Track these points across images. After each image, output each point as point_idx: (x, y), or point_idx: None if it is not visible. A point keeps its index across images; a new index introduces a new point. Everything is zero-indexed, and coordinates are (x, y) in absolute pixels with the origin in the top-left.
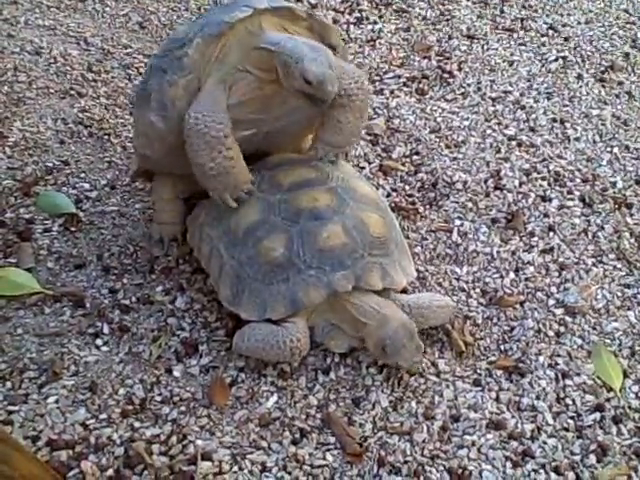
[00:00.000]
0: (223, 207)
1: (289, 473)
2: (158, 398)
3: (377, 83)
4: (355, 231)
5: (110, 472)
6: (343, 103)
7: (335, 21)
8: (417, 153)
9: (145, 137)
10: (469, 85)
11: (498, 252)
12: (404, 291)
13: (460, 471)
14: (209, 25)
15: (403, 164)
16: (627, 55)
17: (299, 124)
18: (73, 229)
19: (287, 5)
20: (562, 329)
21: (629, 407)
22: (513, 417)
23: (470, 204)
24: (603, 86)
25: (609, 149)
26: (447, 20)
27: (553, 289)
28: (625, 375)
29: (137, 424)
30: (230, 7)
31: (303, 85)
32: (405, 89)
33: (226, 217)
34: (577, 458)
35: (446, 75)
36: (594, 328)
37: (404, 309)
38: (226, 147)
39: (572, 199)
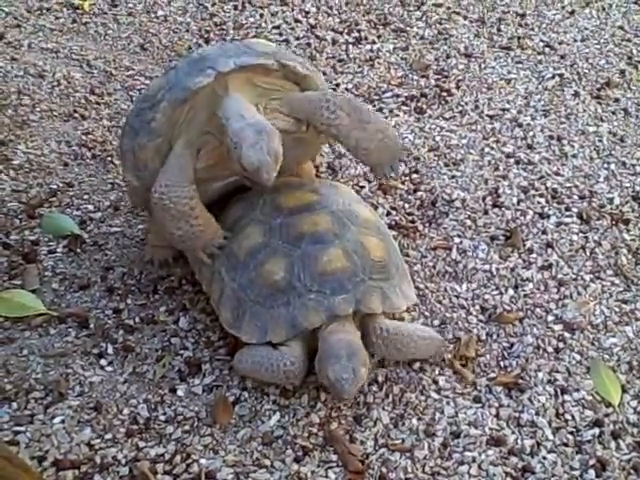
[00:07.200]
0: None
1: None
2: (162, 417)
3: (376, 102)
4: (356, 255)
5: None
6: (334, 133)
7: (334, 41)
8: (416, 172)
9: (127, 186)
10: (467, 103)
11: (497, 269)
12: (401, 318)
13: None
14: (176, 88)
15: (402, 183)
16: (623, 72)
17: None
18: (77, 250)
19: (255, 62)
20: (561, 345)
21: (628, 422)
22: (513, 433)
23: (469, 222)
24: (599, 103)
25: (606, 166)
26: (445, 39)
27: (552, 305)
28: (623, 390)
29: (142, 444)
30: (198, 65)
31: (240, 169)
32: (404, 108)
33: (228, 240)
34: (577, 473)
35: (444, 94)
36: (592, 344)
37: (382, 333)
38: (193, 217)
39: (570, 216)
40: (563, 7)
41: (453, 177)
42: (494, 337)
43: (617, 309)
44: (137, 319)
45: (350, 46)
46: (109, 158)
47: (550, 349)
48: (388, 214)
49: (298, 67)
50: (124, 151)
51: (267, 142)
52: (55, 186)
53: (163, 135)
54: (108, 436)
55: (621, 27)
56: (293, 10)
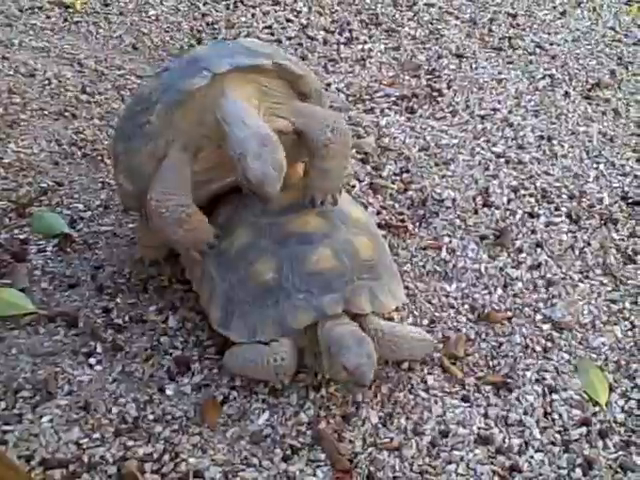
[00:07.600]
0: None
1: None
2: (151, 417)
3: (367, 102)
4: (344, 255)
5: None
6: (322, 153)
7: (326, 41)
8: (407, 171)
9: (118, 189)
10: (458, 103)
11: (486, 268)
12: (390, 318)
13: None
14: (170, 90)
15: (393, 182)
16: (613, 72)
17: None
18: (67, 249)
19: (250, 63)
20: (549, 344)
21: (615, 421)
22: (501, 432)
23: (459, 221)
24: (590, 103)
25: (595, 166)
26: (436, 39)
27: (540, 305)
28: (611, 389)
29: (130, 443)
30: (192, 66)
31: (244, 180)
32: (395, 108)
33: (219, 240)
34: (564, 472)
35: (435, 94)
36: (581, 343)
37: (377, 334)
38: (188, 223)
39: (559, 215)
40: (554, 8)
41: (443, 177)
42: (483, 336)
43: (605, 308)
44: (126, 318)
45: (341, 46)
46: (99, 157)
47: (538, 348)
48: (378, 213)
49: (294, 67)
50: (117, 155)
51: (271, 154)
52: (45, 185)
53: (158, 139)
54: (96, 435)
55: (612, 28)
56: (285, 10)
